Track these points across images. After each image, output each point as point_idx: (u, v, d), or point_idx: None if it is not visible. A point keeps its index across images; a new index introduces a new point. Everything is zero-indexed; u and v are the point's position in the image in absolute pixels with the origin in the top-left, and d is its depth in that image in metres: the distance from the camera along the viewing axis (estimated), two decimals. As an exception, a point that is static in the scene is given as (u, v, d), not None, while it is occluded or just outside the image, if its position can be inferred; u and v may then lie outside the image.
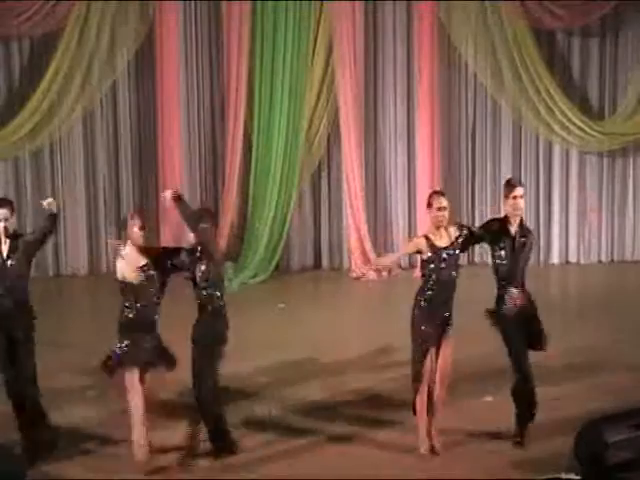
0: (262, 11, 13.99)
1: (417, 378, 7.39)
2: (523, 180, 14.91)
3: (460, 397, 8.31)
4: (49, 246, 14.56)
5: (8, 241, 7.49)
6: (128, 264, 7.27)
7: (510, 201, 7.57)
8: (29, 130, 13.97)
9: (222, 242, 14.35)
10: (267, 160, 14.20)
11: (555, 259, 15.05)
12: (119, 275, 7.29)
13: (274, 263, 14.30)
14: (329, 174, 14.85)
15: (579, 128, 14.42)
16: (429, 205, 7.54)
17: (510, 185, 7.66)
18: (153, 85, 14.26)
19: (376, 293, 13.72)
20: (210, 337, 7.41)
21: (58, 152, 14.50)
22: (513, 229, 7.56)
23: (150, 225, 14.37)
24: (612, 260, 15.11)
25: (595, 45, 14.65)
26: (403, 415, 8.09)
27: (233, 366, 9.36)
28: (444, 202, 7.47)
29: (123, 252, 7.31)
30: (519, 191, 7.59)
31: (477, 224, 14.43)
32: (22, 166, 14.48)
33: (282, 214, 14.30)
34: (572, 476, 6.51)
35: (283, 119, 14.08)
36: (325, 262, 14.98)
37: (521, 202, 7.60)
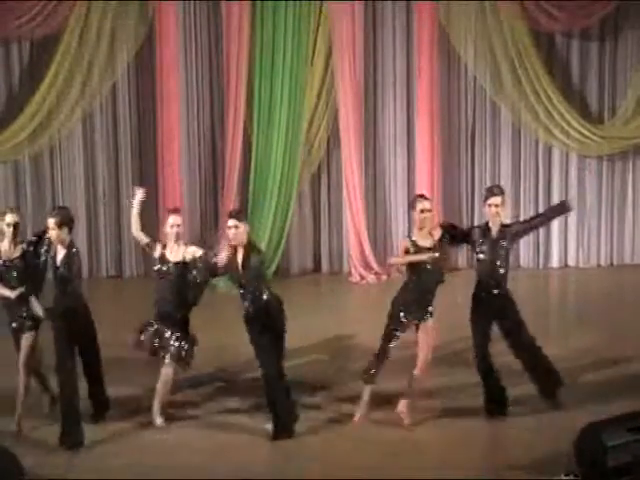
0: (262, 11, 13.98)
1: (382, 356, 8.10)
2: (522, 183, 14.98)
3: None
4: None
5: (64, 251, 7.93)
6: None
7: (488, 209, 8.18)
8: (29, 133, 13.96)
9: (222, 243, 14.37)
10: (267, 160, 14.17)
11: (554, 262, 15.03)
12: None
13: (274, 266, 14.24)
14: (329, 176, 14.84)
15: (578, 132, 14.41)
16: (413, 208, 8.12)
17: (488, 192, 8.25)
18: (153, 85, 14.25)
19: (375, 297, 13.68)
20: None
21: (58, 154, 14.49)
22: (493, 232, 8.15)
23: (150, 225, 14.53)
24: (611, 264, 15.10)
25: (594, 48, 14.64)
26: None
27: (231, 369, 9.38)
28: (427, 205, 8.06)
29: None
30: (495, 200, 8.11)
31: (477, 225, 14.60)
32: (22, 168, 14.46)
33: (282, 216, 14.27)
34: (571, 478, 6.50)
35: (283, 119, 14.05)
36: (325, 266, 14.95)
37: (494, 210, 8.14)
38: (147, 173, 14.57)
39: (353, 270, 14.48)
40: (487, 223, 8.21)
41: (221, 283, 13.53)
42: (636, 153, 14.83)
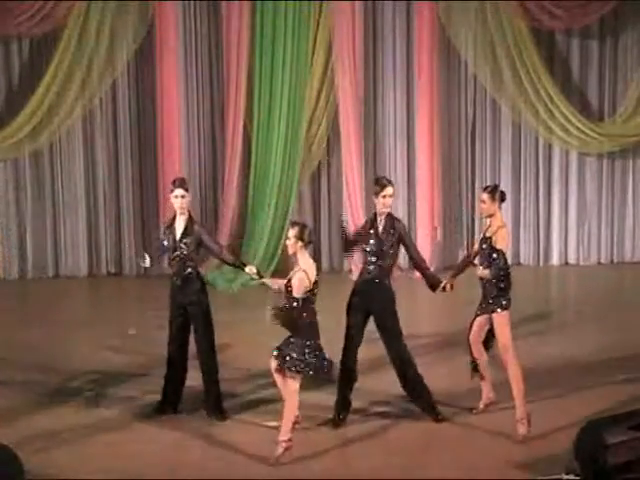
0: (262, 11, 13.99)
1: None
2: (523, 181, 14.98)
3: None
4: (48, 246, 14.57)
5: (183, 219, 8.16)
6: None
7: (380, 199, 8.24)
8: (29, 131, 13.96)
9: (222, 241, 14.37)
10: (267, 160, 14.18)
11: (555, 260, 15.04)
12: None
13: (274, 265, 14.25)
14: (329, 175, 14.85)
15: (578, 129, 14.42)
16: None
17: (380, 184, 8.29)
18: (153, 85, 14.26)
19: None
20: None
21: (58, 152, 14.49)
22: (381, 226, 8.30)
23: (150, 225, 14.53)
24: (612, 261, 15.11)
25: (595, 46, 14.66)
26: (405, 417, 8.10)
27: (230, 368, 9.37)
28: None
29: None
30: (389, 190, 8.25)
31: (477, 224, 14.58)
32: (22, 166, 14.46)
33: (282, 214, 14.27)
34: (572, 477, 6.50)
35: (283, 119, 14.06)
36: (325, 263, 14.96)
37: (390, 201, 8.30)
38: (147, 173, 14.59)
39: (353, 268, 14.46)
40: (376, 214, 8.29)
41: (219, 281, 13.55)
42: (636, 150, 14.84)
